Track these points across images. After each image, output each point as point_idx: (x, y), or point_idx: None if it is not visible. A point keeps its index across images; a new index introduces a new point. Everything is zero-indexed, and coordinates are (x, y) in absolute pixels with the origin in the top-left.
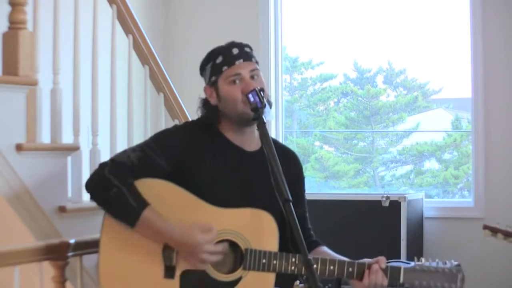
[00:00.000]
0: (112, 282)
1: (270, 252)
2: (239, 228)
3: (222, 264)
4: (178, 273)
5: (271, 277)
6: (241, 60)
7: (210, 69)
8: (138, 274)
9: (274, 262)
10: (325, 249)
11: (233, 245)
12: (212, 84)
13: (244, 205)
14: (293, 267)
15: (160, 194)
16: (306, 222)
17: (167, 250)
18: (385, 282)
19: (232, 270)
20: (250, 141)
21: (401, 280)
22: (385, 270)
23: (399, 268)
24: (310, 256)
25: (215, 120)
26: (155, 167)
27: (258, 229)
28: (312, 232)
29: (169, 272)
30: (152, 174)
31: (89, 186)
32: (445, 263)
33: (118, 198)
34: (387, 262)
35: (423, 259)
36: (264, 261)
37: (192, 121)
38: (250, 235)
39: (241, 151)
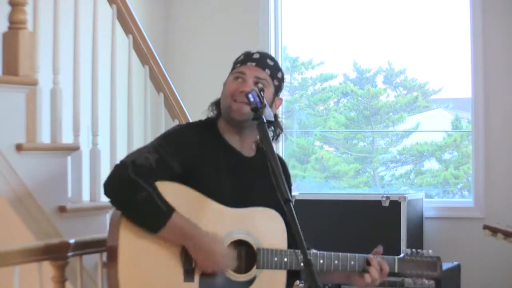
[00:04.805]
0: None
1: (281, 251)
2: (250, 228)
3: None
4: (196, 275)
5: (282, 274)
6: (253, 64)
7: (233, 65)
8: (159, 280)
9: (285, 259)
10: None
11: (245, 244)
12: (227, 78)
13: (246, 207)
14: (302, 263)
15: (176, 196)
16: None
17: (185, 254)
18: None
19: (246, 269)
20: (249, 147)
21: (396, 269)
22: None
23: (394, 259)
24: (310, 256)
25: (217, 115)
26: (169, 169)
27: (267, 227)
28: None
29: (188, 275)
30: (166, 177)
31: (111, 188)
32: (422, 252)
33: (147, 202)
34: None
35: (408, 250)
36: (276, 259)
37: (197, 122)
38: (261, 234)
39: (240, 155)
